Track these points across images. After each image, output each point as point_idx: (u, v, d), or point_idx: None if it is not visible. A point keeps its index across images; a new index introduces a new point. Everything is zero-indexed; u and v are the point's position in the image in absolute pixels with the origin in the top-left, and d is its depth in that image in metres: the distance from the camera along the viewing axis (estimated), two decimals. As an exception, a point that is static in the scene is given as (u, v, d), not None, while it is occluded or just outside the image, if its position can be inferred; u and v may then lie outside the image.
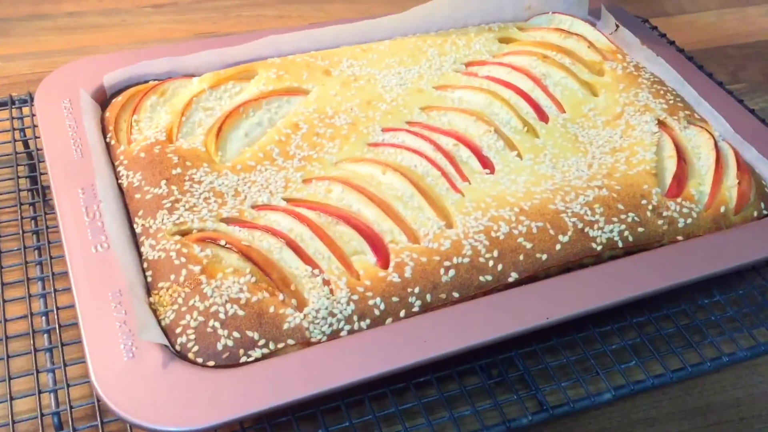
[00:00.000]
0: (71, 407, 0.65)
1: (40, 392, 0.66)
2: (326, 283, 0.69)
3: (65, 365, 0.67)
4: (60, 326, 0.70)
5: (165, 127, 0.83)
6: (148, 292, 0.69)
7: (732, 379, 0.80)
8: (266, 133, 0.85)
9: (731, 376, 0.80)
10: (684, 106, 0.93)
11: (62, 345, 0.69)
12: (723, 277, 0.78)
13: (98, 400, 0.64)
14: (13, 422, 0.65)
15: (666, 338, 0.76)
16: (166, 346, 0.64)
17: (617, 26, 1.04)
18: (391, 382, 0.69)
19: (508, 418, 0.68)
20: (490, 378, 0.72)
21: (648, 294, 0.73)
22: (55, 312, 0.71)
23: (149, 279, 0.70)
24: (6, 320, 0.72)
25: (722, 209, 0.81)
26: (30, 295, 0.73)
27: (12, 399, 0.66)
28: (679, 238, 0.79)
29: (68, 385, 0.66)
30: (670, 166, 0.84)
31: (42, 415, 0.65)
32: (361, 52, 0.96)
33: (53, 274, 0.75)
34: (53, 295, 0.73)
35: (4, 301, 0.73)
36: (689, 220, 0.80)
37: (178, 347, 0.65)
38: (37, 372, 0.67)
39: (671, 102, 0.92)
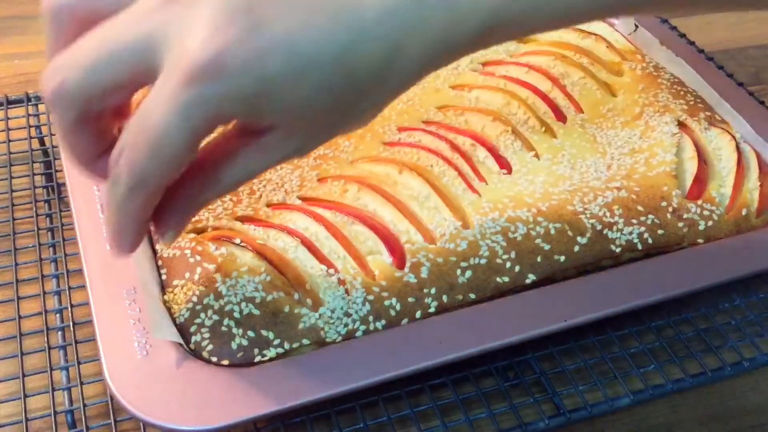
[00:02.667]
0: (84, 405, 0.65)
1: (53, 390, 0.66)
2: (342, 282, 0.69)
3: (79, 363, 0.67)
4: (74, 324, 0.70)
5: (180, 125, 0.82)
6: (163, 290, 0.69)
7: (752, 384, 0.78)
8: (282, 132, 0.84)
9: (751, 381, 0.78)
10: (704, 107, 0.91)
11: (76, 342, 0.69)
12: (744, 281, 0.77)
13: (112, 398, 0.64)
14: (27, 419, 0.65)
15: (685, 342, 0.75)
16: (180, 344, 0.64)
17: (636, 26, 1.03)
18: (406, 384, 0.68)
19: (524, 422, 0.67)
20: (506, 381, 0.72)
21: (667, 297, 0.72)
22: (69, 309, 0.71)
23: (164, 277, 0.70)
24: (20, 317, 0.72)
25: (744, 212, 0.80)
26: (44, 293, 0.73)
27: (26, 396, 0.66)
28: (700, 240, 0.78)
29: (82, 383, 0.66)
30: (691, 167, 0.83)
31: (55, 412, 0.65)
32: (378, 51, 0.95)
33: (68, 271, 0.75)
34: (68, 292, 0.73)
35: (19, 298, 0.73)
36: (710, 223, 0.79)
37: (192, 346, 0.64)
38: (51, 369, 0.67)
39: (692, 103, 0.91)
